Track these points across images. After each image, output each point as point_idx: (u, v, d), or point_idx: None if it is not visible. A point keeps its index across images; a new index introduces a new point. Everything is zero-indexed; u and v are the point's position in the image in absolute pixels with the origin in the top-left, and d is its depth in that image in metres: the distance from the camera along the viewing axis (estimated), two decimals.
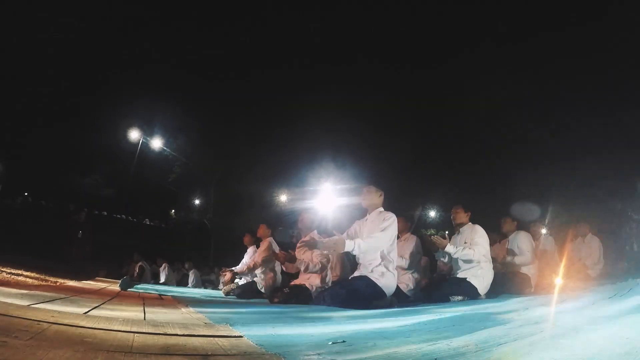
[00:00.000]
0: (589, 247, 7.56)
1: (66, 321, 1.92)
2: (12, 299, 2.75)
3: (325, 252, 4.71)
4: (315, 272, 5.34)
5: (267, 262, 6.75)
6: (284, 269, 6.21)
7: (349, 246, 4.14)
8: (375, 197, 4.65)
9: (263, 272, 6.80)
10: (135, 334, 1.75)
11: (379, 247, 4.29)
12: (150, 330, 1.91)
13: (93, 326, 1.86)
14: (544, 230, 7.69)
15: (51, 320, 1.92)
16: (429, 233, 5.37)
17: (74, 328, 1.76)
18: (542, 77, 17.07)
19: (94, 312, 2.65)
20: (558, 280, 7.09)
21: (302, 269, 5.34)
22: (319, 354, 1.41)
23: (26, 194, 28.92)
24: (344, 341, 1.68)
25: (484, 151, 20.38)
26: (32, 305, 2.56)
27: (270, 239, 6.90)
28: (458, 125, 20.76)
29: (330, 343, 1.67)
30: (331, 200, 4.53)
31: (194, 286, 13.62)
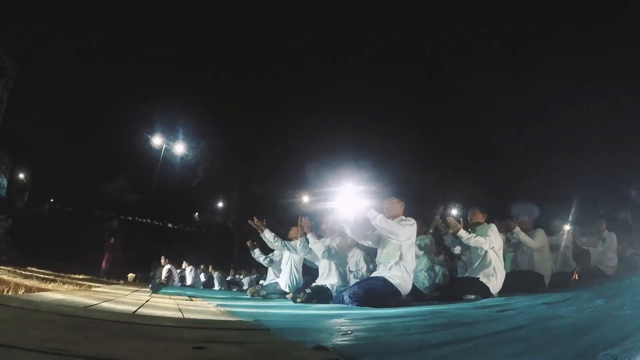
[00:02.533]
0: (606, 243, 7.63)
1: (124, 319, 2.32)
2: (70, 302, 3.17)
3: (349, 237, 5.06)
4: (322, 256, 5.69)
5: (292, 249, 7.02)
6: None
7: (371, 213, 4.52)
8: (397, 207, 4.98)
9: (286, 272, 7.13)
10: (183, 328, 2.14)
11: (396, 233, 4.57)
12: (193, 326, 2.30)
13: (147, 323, 2.25)
14: (567, 227, 7.81)
15: (111, 318, 2.31)
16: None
17: (133, 324, 2.16)
18: (559, 77, 17.12)
19: (140, 312, 3.05)
20: (574, 278, 7.26)
21: (311, 241, 5.68)
22: (330, 341, 1.76)
23: (52, 200, 29.67)
24: (351, 332, 2.04)
25: (501, 155, 20.48)
26: (89, 307, 2.97)
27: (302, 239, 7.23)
28: (476, 129, 20.90)
29: (341, 334, 2.02)
30: (353, 202, 4.83)
31: (220, 288, 14.05)
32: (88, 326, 1.99)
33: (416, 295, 5.44)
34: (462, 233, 5.32)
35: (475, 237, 5.31)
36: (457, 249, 6.26)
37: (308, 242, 5.81)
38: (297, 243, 6.13)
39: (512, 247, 6.84)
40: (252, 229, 7.57)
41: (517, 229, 6.33)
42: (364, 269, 6.31)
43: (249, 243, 8.18)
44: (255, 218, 7.16)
